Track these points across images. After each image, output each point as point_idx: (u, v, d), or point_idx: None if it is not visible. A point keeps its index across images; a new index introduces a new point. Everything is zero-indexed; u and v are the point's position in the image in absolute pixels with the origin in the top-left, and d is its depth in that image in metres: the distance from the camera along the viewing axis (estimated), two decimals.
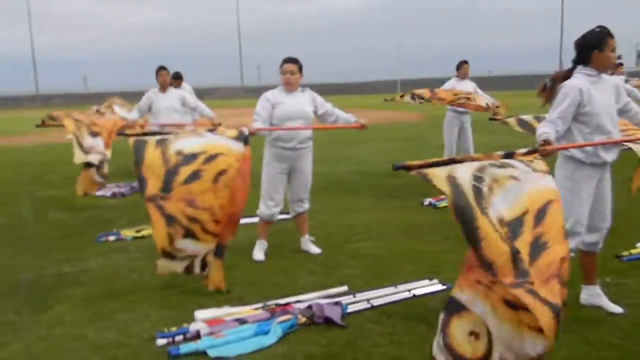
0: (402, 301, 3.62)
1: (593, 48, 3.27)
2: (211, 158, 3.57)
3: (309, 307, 3.38)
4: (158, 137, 3.72)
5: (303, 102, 4.59)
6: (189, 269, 3.59)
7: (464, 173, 2.59)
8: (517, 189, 2.62)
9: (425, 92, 7.84)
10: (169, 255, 3.48)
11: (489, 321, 2.41)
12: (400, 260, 4.49)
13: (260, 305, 3.52)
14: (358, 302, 3.56)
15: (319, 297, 3.64)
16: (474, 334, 2.43)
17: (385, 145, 12.26)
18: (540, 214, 2.54)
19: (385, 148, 11.76)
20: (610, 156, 3.35)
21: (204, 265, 3.64)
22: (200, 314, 3.42)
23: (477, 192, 2.53)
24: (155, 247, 5.00)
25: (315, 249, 4.76)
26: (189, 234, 3.46)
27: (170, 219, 3.46)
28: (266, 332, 3.15)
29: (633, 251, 4.43)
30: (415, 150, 11.62)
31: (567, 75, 3.40)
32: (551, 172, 2.78)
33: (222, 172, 3.52)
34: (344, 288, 3.83)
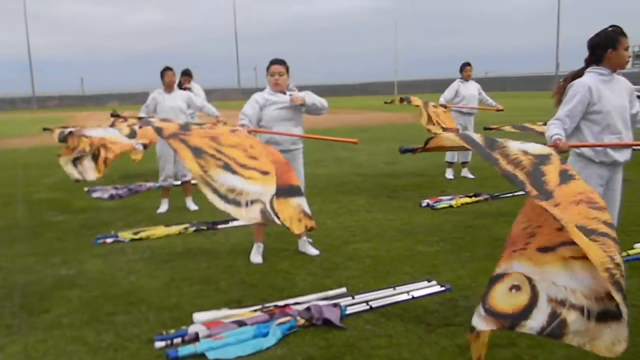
0: (401, 303, 3.61)
1: (607, 47, 3.29)
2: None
3: (308, 309, 3.37)
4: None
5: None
6: (265, 215, 3.21)
7: (474, 135, 2.75)
8: (535, 145, 2.74)
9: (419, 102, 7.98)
10: (221, 196, 3.20)
11: (530, 271, 2.37)
12: (398, 262, 4.48)
13: (258, 307, 3.51)
14: (357, 303, 3.55)
15: (318, 299, 3.63)
16: (514, 287, 2.39)
17: (383, 146, 12.26)
18: (563, 161, 2.66)
19: (384, 149, 11.76)
20: (621, 156, 3.35)
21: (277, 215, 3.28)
22: (199, 316, 3.40)
23: (490, 140, 2.70)
24: (153, 249, 5.02)
25: (313, 251, 4.75)
26: (226, 167, 3.29)
27: (197, 151, 3.34)
28: (265, 334, 3.14)
29: (631, 252, 4.43)
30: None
31: (578, 74, 3.42)
32: None
33: (233, 130, 3.62)
34: (343, 290, 3.82)
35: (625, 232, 4.93)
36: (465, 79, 8.17)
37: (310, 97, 4.61)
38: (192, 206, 6.71)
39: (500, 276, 2.46)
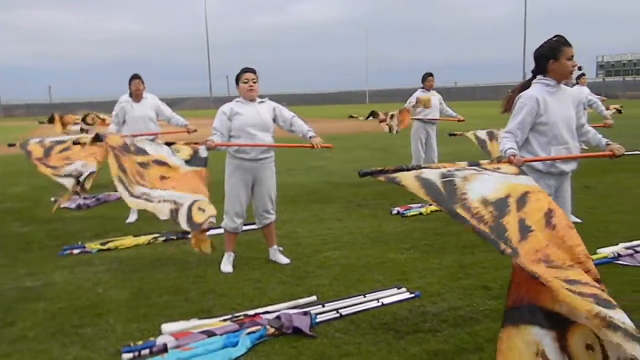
0: (371, 310, 3.63)
1: (549, 58, 3.34)
2: (159, 162, 3.74)
3: (278, 317, 3.37)
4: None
5: (262, 112, 4.56)
6: (172, 214, 3.67)
7: (431, 174, 2.72)
8: (493, 179, 2.73)
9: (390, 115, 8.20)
10: (132, 194, 3.65)
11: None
12: (369, 269, 4.51)
13: (228, 316, 3.49)
14: (327, 311, 3.56)
15: (288, 308, 3.63)
16: (589, 347, 2.26)
17: (354, 154, 12.34)
18: (521, 201, 2.61)
19: (355, 158, 11.84)
20: (568, 166, 3.45)
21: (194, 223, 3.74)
22: (167, 327, 3.37)
23: (449, 184, 2.64)
24: (121, 260, 4.95)
25: (284, 259, 4.74)
26: (142, 185, 3.63)
27: (122, 168, 3.66)
28: (234, 344, 3.13)
29: (595, 257, 4.54)
30: (384, 160, 11.72)
31: (525, 85, 3.49)
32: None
33: (165, 178, 3.68)
34: (313, 298, 3.83)
35: (588, 237, 5.05)
36: (427, 88, 8.30)
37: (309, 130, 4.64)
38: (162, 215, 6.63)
39: (570, 322, 2.29)
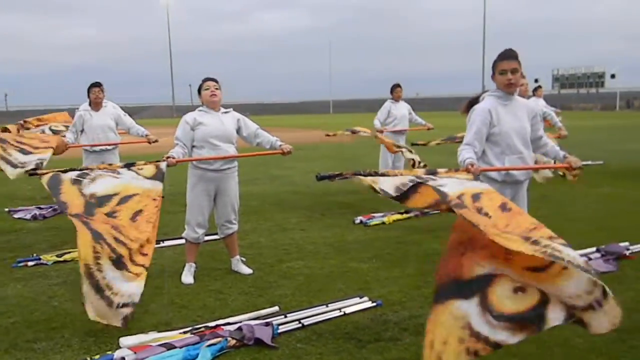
0: (333, 320, 3.63)
1: (492, 72, 3.51)
2: (126, 199, 3.57)
3: (239, 328, 3.34)
4: (72, 175, 3.67)
5: (226, 122, 4.53)
6: (125, 321, 3.36)
7: (387, 184, 2.87)
8: (449, 182, 2.92)
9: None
10: (98, 288, 3.30)
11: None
12: (331, 279, 4.52)
13: (188, 328, 3.44)
14: (289, 322, 3.54)
15: (250, 319, 3.60)
16: (518, 290, 2.43)
17: (318, 164, 12.37)
18: (475, 197, 2.81)
19: (319, 168, 11.86)
20: (522, 176, 3.53)
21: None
22: (126, 341, 3.29)
23: (403, 188, 2.86)
24: (78, 272, 4.82)
25: (246, 270, 4.71)
26: (117, 261, 3.34)
27: (96, 235, 3.35)
28: (194, 357, 3.08)
29: None
30: (348, 170, 11.78)
31: (477, 98, 3.61)
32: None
33: (138, 212, 3.53)
34: (275, 308, 3.81)
35: None
36: (396, 99, 8.43)
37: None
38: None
39: (491, 277, 2.47)
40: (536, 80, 30.65)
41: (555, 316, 2.40)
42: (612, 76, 58.02)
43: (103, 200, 3.52)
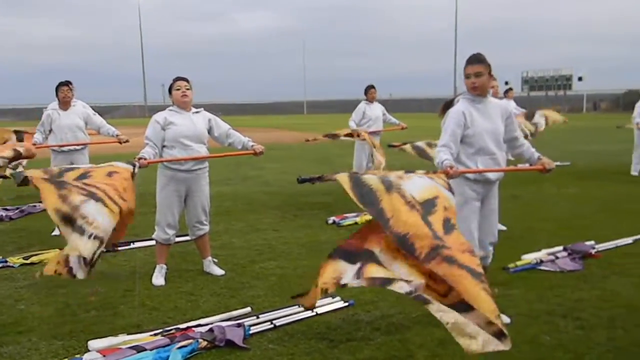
0: (305, 320, 3.63)
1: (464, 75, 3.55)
2: (97, 168, 3.48)
3: (211, 330, 3.32)
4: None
5: (197, 122, 4.49)
6: (93, 261, 3.06)
7: (367, 176, 2.89)
8: (423, 181, 2.94)
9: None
10: (69, 219, 3.01)
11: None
12: (304, 279, 4.51)
13: (159, 331, 3.40)
14: (261, 323, 3.53)
15: (221, 320, 3.57)
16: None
17: (292, 165, 12.37)
18: (447, 204, 2.84)
19: (292, 168, 11.86)
20: (494, 175, 3.59)
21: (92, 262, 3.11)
22: (94, 344, 3.24)
23: (385, 180, 2.85)
24: (46, 276, 4.72)
25: (218, 271, 4.68)
26: (90, 195, 3.08)
27: (61, 184, 3.10)
28: (165, 359, 3.05)
29: (519, 263, 4.75)
30: (321, 171, 11.80)
31: (453, 100, 3.65)
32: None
33: (112, 173, 3.39)
34: (247, 309, 3.79)
35: (513, 244, 5.29)
36: (370, 100, 8.48)
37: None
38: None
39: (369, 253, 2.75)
40: (506, 83, 31.13)
41: (399, 288, 2.58)
42: (580, 79, 59.27)
43: (81, 177, 3.34)
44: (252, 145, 4.58)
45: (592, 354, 3.13)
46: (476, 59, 3.51)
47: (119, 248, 5.43)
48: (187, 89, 4.47)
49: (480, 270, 2.50)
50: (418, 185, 2.89)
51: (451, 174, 3.19)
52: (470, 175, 3.53)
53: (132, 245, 5.53)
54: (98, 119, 6.48)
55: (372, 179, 2.85)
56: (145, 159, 4.15)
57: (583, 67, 63.24)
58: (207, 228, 4.69)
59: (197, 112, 4.57)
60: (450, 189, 2.98)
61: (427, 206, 2.77)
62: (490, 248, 3.68)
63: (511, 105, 12.82)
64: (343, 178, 2.88)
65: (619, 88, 53.48)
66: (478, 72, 3.47)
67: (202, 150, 4.48)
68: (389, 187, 2.80)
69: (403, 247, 2.61)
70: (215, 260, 4.82)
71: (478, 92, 3.51)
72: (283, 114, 58.58)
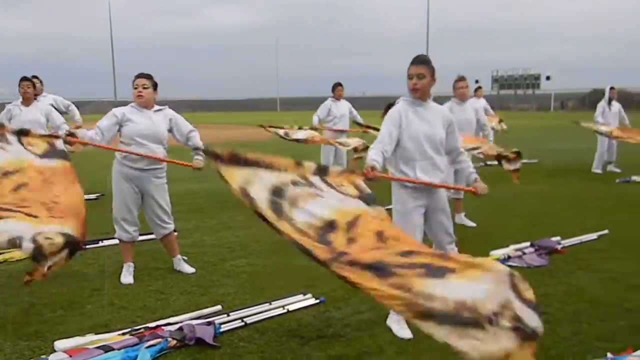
0: (276, 317, 3.63)
1: None
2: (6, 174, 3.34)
3: (180, 328, 3.28)
4: None
5: (156, 121, 4.40)
6: (12, 243, 2.91)
7: (260, 192, 2.68)
8: (324, 201, 2.76)
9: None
10: None
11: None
12: (275, 277, 4.51)
13: (127, 330, 3.35)
14: (231, 320, 3.52)
15: (191, 318, 3.54)
16: None
17: None
18: (351, 224, 2.69)
19: None
20: (433, 179, 3.43)
21: (41, 253, 2.91)
22: (61, 344, 3.18)
23: (274, 205, 2.66)
24: (11, 273, 4.62)
25: (188, 269, 4.63)
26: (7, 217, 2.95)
27: None
28: (134, 358, 3.01)
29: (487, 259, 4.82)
30: None
31: (394, 102, 3.62)
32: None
33: (47, 179, 3.30)
34: (218, 307, 3.77)
35: (481, 240, 5.38)
36: (337, 98, 8.51)
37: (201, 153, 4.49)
38: None
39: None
40: (477, 81, 31.61)
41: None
42: (547, 78, 60.48)
43: (9, 175, 3.23)
44: (195, 157, 4.53)
45: (557, 348, 3.19)
46: (420, 60, 3.43)
47: (87, 246, 5.35)
48: (145, 88, 4.36)
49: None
50: (317, 207, 2.71)
51: (369, 177, 3.09)
52: (409, 185, 3.43)
53: (100, 244, 5.44)
54: (59, 119, 6.29)
55: (262, 202, 2.65)
56: (76, 137, 4.07)
57: (551, 66, 64.32)
58: (170, 227, 4.62)
59: (158, 111, 4.47)
60: (362, 196, 2.90)
61: (327, 228, 2.62)
62: (450, 248, 3.59)
63: (481, 103, 13.05)
64: (234, 186, 2.70)
65: (585, 87, 54.70)
66: (420, 74, 3.39)
67: (158, 151, 4.38)
68: (279, 214, 2.63)
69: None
70: (185, 258, 4.77)
71: (418, 94, 3.42)
72: (256, 110, 58.32)
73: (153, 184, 4.44)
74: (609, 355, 2.97)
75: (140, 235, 4.85)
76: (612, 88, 10.55)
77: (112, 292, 4.16)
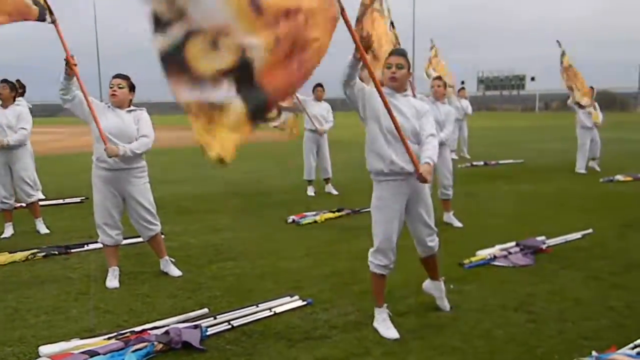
0: (263, 320, 3.62)
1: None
2: None
3: (167, 332, 3.26)
4: None
5: (126, 121, 4.35)
6: None
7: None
8: None
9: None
10: None
11: None
12: (262, 279, 4.50)
13: (113, 334, 3.33)
14: (218, 323, 3.50)
15: (178, 322, 3.52)
16: None
17: (251, 164, 12.28)
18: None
19: (251, 167, 11.79)
20: (410, 166, 3.34)
21: None
22: (46, 349, 3.15)
23: None
24: None
25: (175, 271, 4.61)
26: None
27: None
28: None
29: (473, 259, 4.86)
30: (279, 170, 11.80)
31: None
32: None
33: None
34: (205, 310, 3.75)
35: (468, 240, 5.41)
36: (317, 99, 8.55)
37: (126, 149, 4.25)
38: (42, 229, 6.22)
39: None
40: (462, 82, 31.80)
41: None
42: (532, 79, 61.09)
43: None
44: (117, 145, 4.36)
45: (543, 347, 3.22)
46: (399, 52, 3.51)
47: (72, 250, 5.31)
48: (120, 88, 4.35)
49: None
50: None
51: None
52: (385, 169, 3.37)
53: (85, 248, 5.39)
54: (17, 125, 6.11)
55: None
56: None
57: (536, 67, 64.96)
58: (157, 228, 4.59)
59: (131, 111, 4.43)
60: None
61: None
62: (431, 242, 3.59)
63: (463, 104, 13.17)
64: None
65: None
66: (399, 64, 3.41)
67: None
68: None
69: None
70: (173, 259, 4.74)
71: (397, 83, 3.42)
72: None
73: (132, 185, 4.39)
74: (594, 353, 3.00)
75: (126, 238, 4.82)
76: (591, 87, 10.67)
77: (97, 296, 4.13)
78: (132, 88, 4.43)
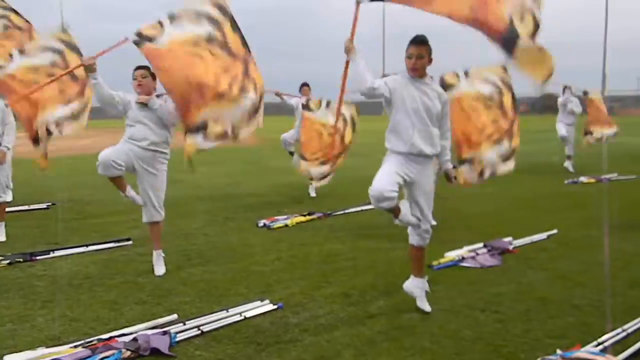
0: (233, 324, 3.61)
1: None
2: None
3: (135, 339, 3.23)
4: None
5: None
6: None
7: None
8: None
9: None
10: None
11: None
12: (233, 283, 4.48)
13: (80, 342, 3.27)
14: (188, 329, 3.47)
15: (147, 328, 3.48)
16: None
17: (223, 168, 12.21)
18: None
19: (223, 171, 11.72)
20: (427, 148, 3.61)
21: None
22: (10, 359, 3.08)
23: None
24: None
25: (160, 270, 4.75)
26: None
27: None
28: None
29: (442, 260, 4.92)
30: (253, 174, 11.74)
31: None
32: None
33: None
34: (174, 316, 3.71)
35: (437, 242, 5.46)
36: (305, 96, 8.59)
37: (156, 103, 4.61)
38: (1, 237, 6.01)
39: None
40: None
41: None
42: None
43: None
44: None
45: (509, 346, 3.29)
46: (421, 40, 3.55)
47: (37, 257, 5.19)
48: (143, 78, 4.60)
49: None
50: None
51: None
52: (403, 150, 3.58)
53: (51, 254, 5.28)
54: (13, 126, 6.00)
55: None
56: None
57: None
58: (159, 216, 4.83)
59: (158, 96, 4.69)
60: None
61: None
62: (425, 227, 3.84)
63: None
64: None
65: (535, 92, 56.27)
66: (420, 54, 3.54)
67: (155, 135, 4.66)
68: None
69: None
70: (163, 255, 4.85)
71: (418, 73, 3.58)
72: None
73: (152, 166, 4.71)
74: (559, 351, 3.07)
75: (94, 244, 4.75)
76: (567, 87, 10.96)
77: (63, 303, 4.05)
78: (154, 77, 4.64)
